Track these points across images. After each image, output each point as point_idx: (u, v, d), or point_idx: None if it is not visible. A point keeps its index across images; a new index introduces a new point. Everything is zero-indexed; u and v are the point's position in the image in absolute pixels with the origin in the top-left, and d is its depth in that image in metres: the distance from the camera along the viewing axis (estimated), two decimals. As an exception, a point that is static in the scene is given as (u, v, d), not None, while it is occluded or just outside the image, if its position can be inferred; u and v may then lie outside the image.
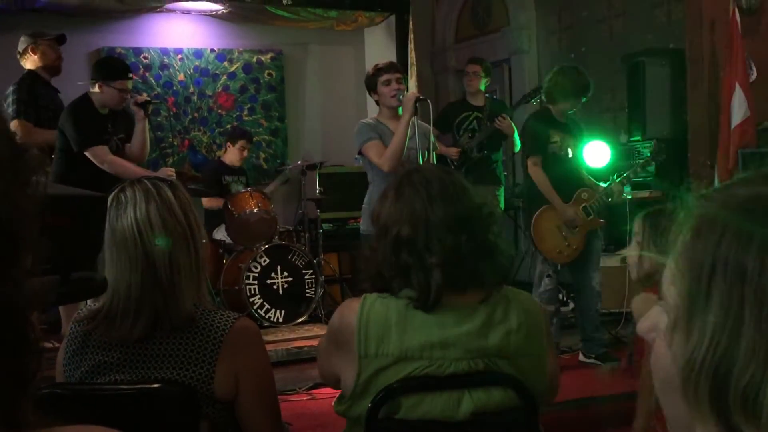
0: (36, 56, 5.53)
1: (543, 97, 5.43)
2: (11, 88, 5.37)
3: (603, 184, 5.26)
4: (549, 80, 5.32)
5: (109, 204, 1.88)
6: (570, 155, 5.24)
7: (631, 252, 2.69)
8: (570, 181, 5.18)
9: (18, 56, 5.58)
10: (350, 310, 1.87)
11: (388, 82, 4.68)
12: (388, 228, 1.87)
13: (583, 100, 5.28)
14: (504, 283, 1.90)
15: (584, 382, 4.86)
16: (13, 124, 5.22)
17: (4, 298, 0.64)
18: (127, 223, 1.86)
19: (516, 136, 6.15)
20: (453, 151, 6.21)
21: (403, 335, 1.81)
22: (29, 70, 5.53)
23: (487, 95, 6.56)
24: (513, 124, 6.10)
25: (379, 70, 4.74)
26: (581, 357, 5.28)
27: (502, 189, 6.57)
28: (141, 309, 1.83)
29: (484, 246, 1.86)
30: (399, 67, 4.98)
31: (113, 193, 1.91)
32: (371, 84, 4.77)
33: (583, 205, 5.14)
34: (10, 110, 5.29)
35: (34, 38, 5.55)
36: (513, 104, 6.61)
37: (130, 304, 1.84)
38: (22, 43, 5.56)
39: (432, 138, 4.77)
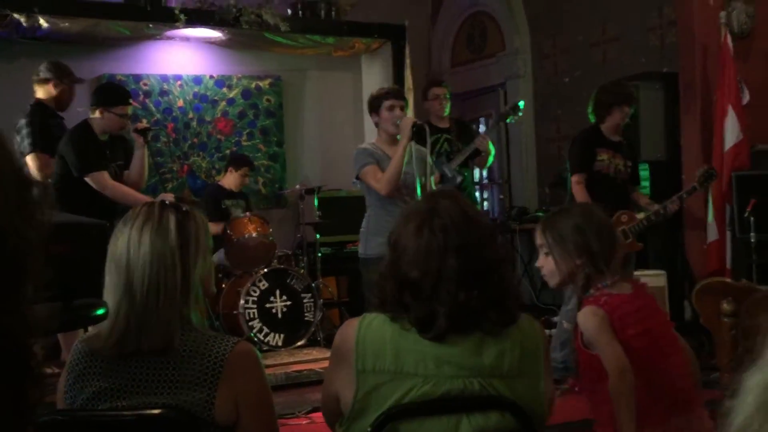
0: (55, 91, 5.49)
1: (591, 118, 5.42)
2: (23, 121, 5.31)
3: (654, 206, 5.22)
4: (591, 100, 5.36)
5: (115, 227, 1.93)
6: (617, 175, 5.20)
7: (544, 262, 2.63)
8: (613, 201, 5.04)
9: (34, 80, 5.53)
10: (349, 328, 1.91)
11: (391, 108, 4.73)
12: (398, 263, 1.88)
13: (632, 109, 5.26)
14: (509, 325, 1.89)
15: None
16: (30, 157, 5.16)
17: (7, 327, 0.65)
18: (121, 244, 1.89)
19: (492, 155, 6.12)
20: (435, 175, 6.14)
21: (398, 351, 1.83)
22: (38, 102, 5.48)
23: (451, 117, 6.49)
24: (491, 143, 6.06)
25: (386, 94, 4.79)
26: None
27: None
28: (128, 331, 1.85)
29: (494, 296, 1.87)
30: (404, 94, 5.03)
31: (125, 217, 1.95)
32: (375, 105, 4.81)
33: (621, 227, 5.07)
34: (25, 143, 5.21)
35: (61, 76, 5.50)
36: (491, 123, 6.57)
37: (119, 325, 1.86)
38: (46, 71, 5.50)
39: (430, 161, 4.82)
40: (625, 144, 5.30)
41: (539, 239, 2.66)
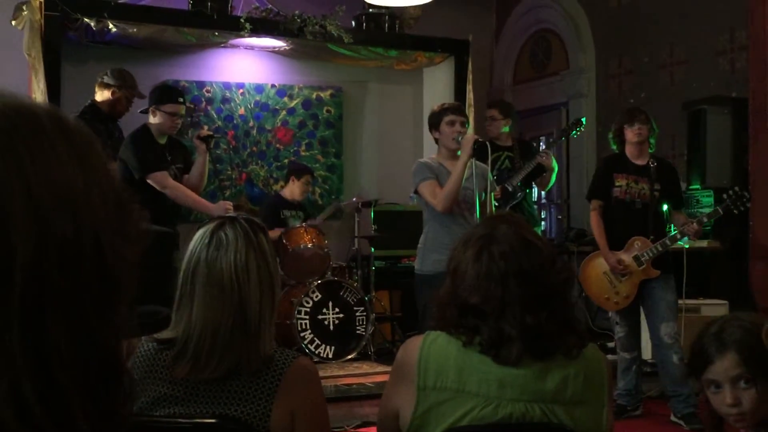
0: (111, 97, 5.60)
1: (613, 147, 5.31)
2: None
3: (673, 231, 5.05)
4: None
5: (205, 240, 1.90)
6: (636, 200, 5.06)
7: (740, 396, 1.87)
8: (629, 228, 5.04)
9: (97, 82, 5.65)
10: (413, 344, 1.90)
11: (452, 123, 4.70)
12: (458, 290, 1.87)
13: (645, 125, 5.03)
14: (584, 348, 1.88)
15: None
16: None
17: (105, 343, 0.67)
18: (225, 266, 1.87)
19: (554, 174, 6.07)
20: (495, 192, 6.08)
21: (461, 370, 1.82)
22: (91, 104, 5.60)
23: (514, 137, 6.43)
24: (554, 161, 6.02)
25: (445, 110, 4.76)
26: (672, 416, 4.98)
27: (538, 229, 6.49)
28: (227, 351, 1.84)
29: (564, 319, 1.86)
30: (465, 110, 5.00)
31: (208, 228, 1.93)
32: (435, 121, 4.78)
33: (635, 253, 5.00)
34: None
35: (122, 85, 5.61)
36: (553, 138, 6.51)
37: (217, 345, 1.84)
38: (110, 77, 5.62)
39: (491, 178, 4.77)
40: (655, 166, 5.07)
41: (736, 368, 1.88)
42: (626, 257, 5.03)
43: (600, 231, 5.09)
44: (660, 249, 4.96)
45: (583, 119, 6.13)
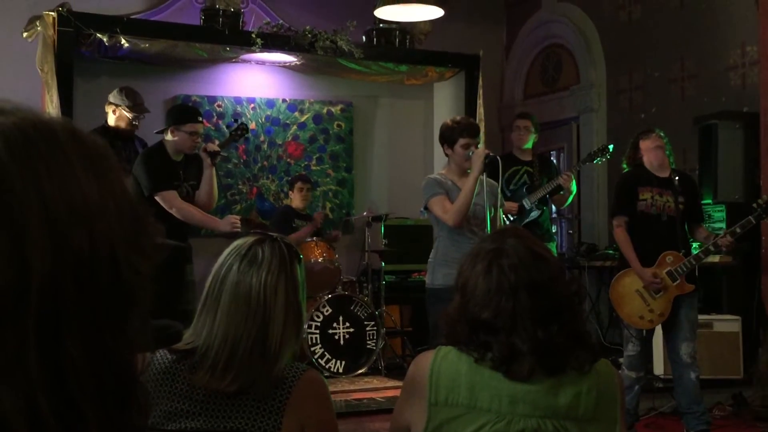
0: (114, 116, 5.73)
1: (624, 167, 5.23)
2: None
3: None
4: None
5: (242, 252, 1.91)
6: (663, 213, 4.92)
7: None
8: (658, 242, 4.90)
9: (107, 103, 5.75)
10: (424, 359, 1.90)
11: (466, 146, 4.66)
12: (468, 306, 1.87)
13: (661, 137, 4.98)
14: (595, 362, 1.87)
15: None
16: None
17: (121, 356, 0.67)
18: (255, 282, 1.88)
19: (572, 195, 6.05)
20: (512, 207, 6.07)
21: (473, 386, 1.81)
22: (103, 126, 5.71)
23: (534, 152, 6.44)
24: (574, 183, 6.00)
25: (462, 131, 4.67)
26: None
27: (553, 245, 6.49)
28: (243, 368, 1.84)
29: (575, 332, 1.85)
30: (479, 131, 4.96)
31: (247, 241, 1.94)
32: (449, 139, 4.72)
33: (668, 269, 4.84)
34: None
35: (122, 103, 5.70)
36: (578, 162, 6.52)
37: (234, 359, 1.84)
38: (114, 96, 5.72)
39: (500, 194, 4.77)
40: (678, 179, 4.97)
41: None
42: (660, 272, 4.87)
43: (629, 247, 4.92)
44: (693, 263, 4.82)
45: (611, 147, 6.04)
